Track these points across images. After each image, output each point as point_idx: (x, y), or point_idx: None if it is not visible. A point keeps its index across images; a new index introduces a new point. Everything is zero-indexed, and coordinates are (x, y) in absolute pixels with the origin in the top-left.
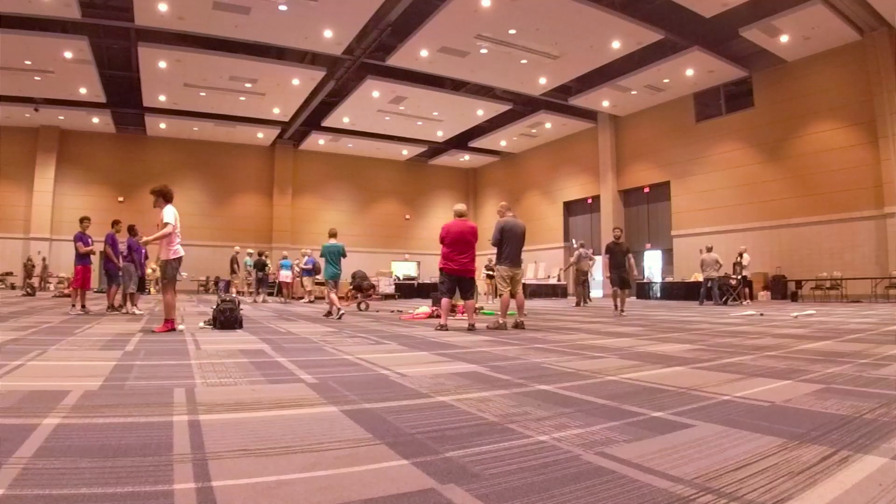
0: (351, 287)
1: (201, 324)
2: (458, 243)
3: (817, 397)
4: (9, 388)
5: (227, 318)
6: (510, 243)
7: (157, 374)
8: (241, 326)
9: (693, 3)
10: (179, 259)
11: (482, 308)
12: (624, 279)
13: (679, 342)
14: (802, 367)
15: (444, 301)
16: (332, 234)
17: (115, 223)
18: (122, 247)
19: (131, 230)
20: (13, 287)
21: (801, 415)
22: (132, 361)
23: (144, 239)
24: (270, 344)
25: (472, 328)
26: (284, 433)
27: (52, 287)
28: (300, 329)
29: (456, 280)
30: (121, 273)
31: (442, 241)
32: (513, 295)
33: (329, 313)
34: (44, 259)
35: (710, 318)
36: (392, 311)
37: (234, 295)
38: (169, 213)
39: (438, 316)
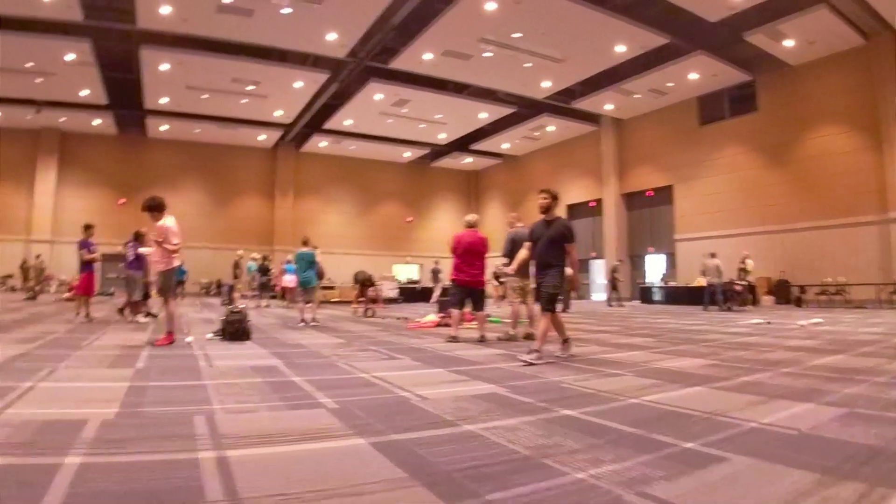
0: (356, 285)
1: (209, 335)
2: (468, 254)
3: (842, 423)
4: (22, 418)
5: (236, 330)
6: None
7: (173, 399)
8: (249, 338)
9: (698, 8)
10: (176, 268)
11: (489, 315)
12: (547, 288)
13: (692, 356)
14: (820, 386)
15: (455, 312)
16: (304, 242)
17: (139, 234)
18: (130, 253)
19: (138, 237)
20: (13, 290)
21: (828, 445)
22: (145, 382)
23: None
24: (282, 359)
25: (482, 340)
26: (317, 472)
27: (52, 290)
28: (309, 340)
29: (466, 291)
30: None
31: (453, 251)
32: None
33: (303, 320)
34: (41, 261)
35: (717, 326)
36: (398, 319)
37: (242, 306)
38: (173, 224)
39: (446, 325)
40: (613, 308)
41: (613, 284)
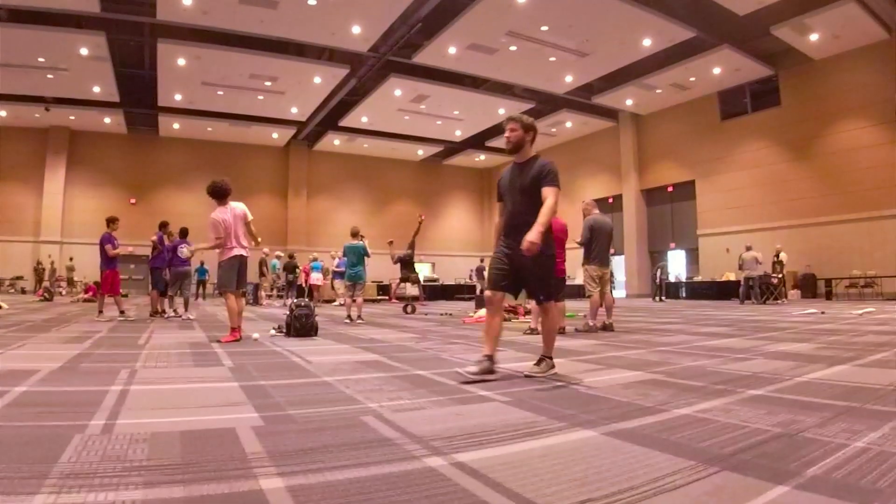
0: (400, 276)
1: (272, 331)
2: None
3: None
4: (148, 429)
5: (303, 325)
6: (599, 242)
7: (310, 399)
8: (316, 333)
9: (728, 1)
10: (235, 258)
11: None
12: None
13: (792, 341)
14: None
15: (533, 303)
16: (354, 233)
17: (164, 225)
18: (182, 249)
19: (184, 233)
20: (23, 291)
21: None
22: (254, 381)
23: (193, 249)
24: (378, 353)
25: (562, 332)
26: (590, 472)
27: (63, 292)
28: (380, 336)
29: None
30: (167, 276)
31: None
32: (601, 295)
33: (349, 317)
34: (52, 262)
35: (776, 317)
36: (442, 315)
37: (308, 301)
38: (216, 216)
39: (504, 320)
40: (656, 303)
41: (658, 281)
